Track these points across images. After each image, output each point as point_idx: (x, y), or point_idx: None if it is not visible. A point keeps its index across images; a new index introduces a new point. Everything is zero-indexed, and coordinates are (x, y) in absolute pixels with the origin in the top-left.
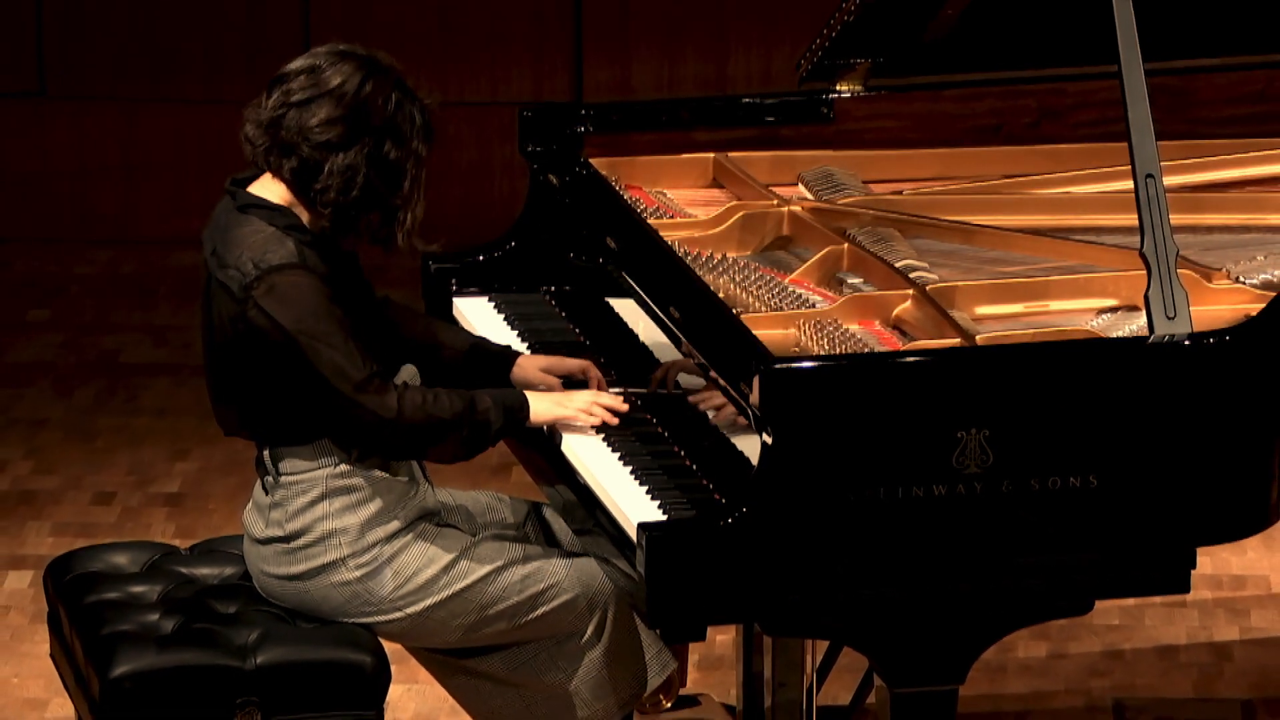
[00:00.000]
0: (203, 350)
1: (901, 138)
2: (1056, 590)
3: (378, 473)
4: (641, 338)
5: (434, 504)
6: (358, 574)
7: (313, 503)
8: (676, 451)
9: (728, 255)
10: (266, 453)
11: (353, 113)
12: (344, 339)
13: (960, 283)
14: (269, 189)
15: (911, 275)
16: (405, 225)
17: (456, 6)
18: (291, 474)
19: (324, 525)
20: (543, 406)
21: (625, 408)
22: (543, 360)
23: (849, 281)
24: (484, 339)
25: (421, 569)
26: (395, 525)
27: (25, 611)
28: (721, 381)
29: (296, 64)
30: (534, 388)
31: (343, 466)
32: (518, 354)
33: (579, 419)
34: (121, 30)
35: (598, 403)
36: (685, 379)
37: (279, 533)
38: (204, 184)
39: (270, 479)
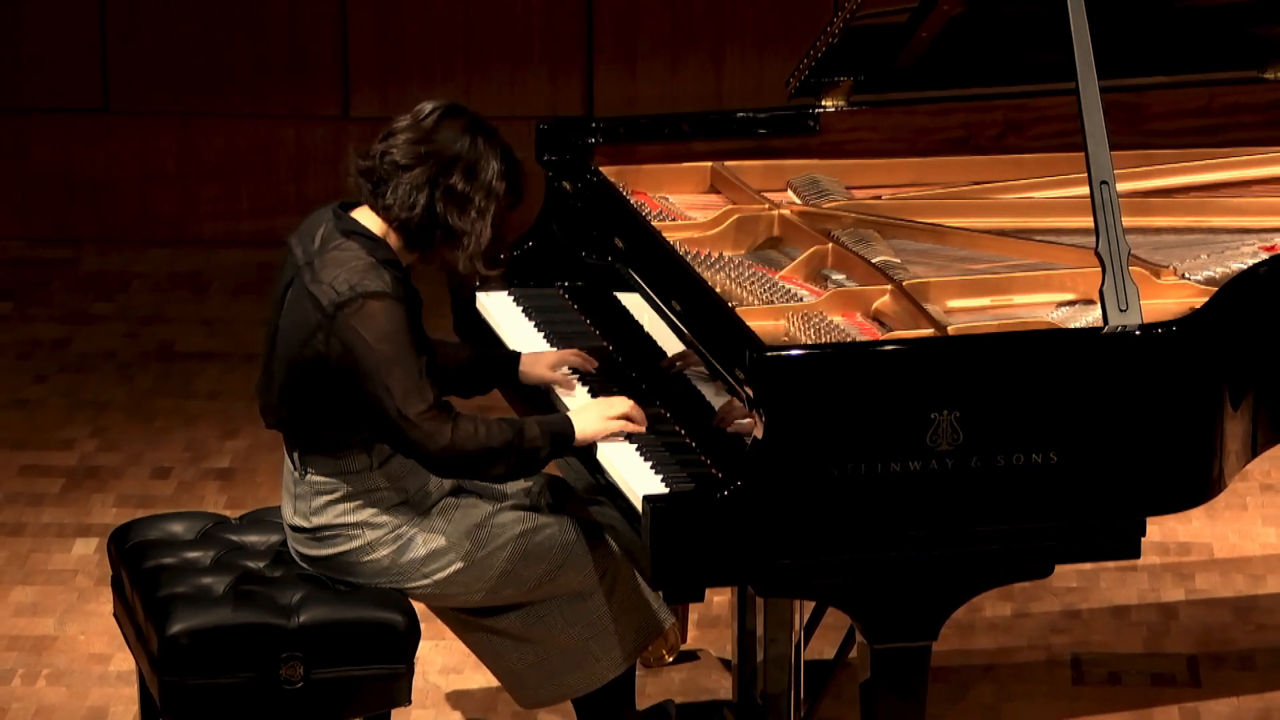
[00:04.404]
0: (265, 344)
1: (880, 148)
2: (1020, 556)
3: (394, 476)
4: (646, 328)
5: (450, 486)
6: (384, 552)
7: (332, 503)
8: (678, 430)
9: (724, 254)
10: (296, 452)
11: (427, 140)
12: (419, 369)
13: (933, 279)
14: (369, 218)
15: (889, 272)
16: (468, 250)
17: (480, 28)
18: (315, 476)
19: (345, 519)
20: (588, 425)
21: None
22: (549, 356)
23: (833, 278)
24: (488, 349)
25: (444, 541)
26: (416, 509)
27: (91, 575)
28: (719, 367)
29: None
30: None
31: (363, 473)
32: (518, 355)
33: (623, 428)
34: (178, 51)
35: (633, 413)
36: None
37: (304, 524)
38: (251, 189)
39: (297, 474)
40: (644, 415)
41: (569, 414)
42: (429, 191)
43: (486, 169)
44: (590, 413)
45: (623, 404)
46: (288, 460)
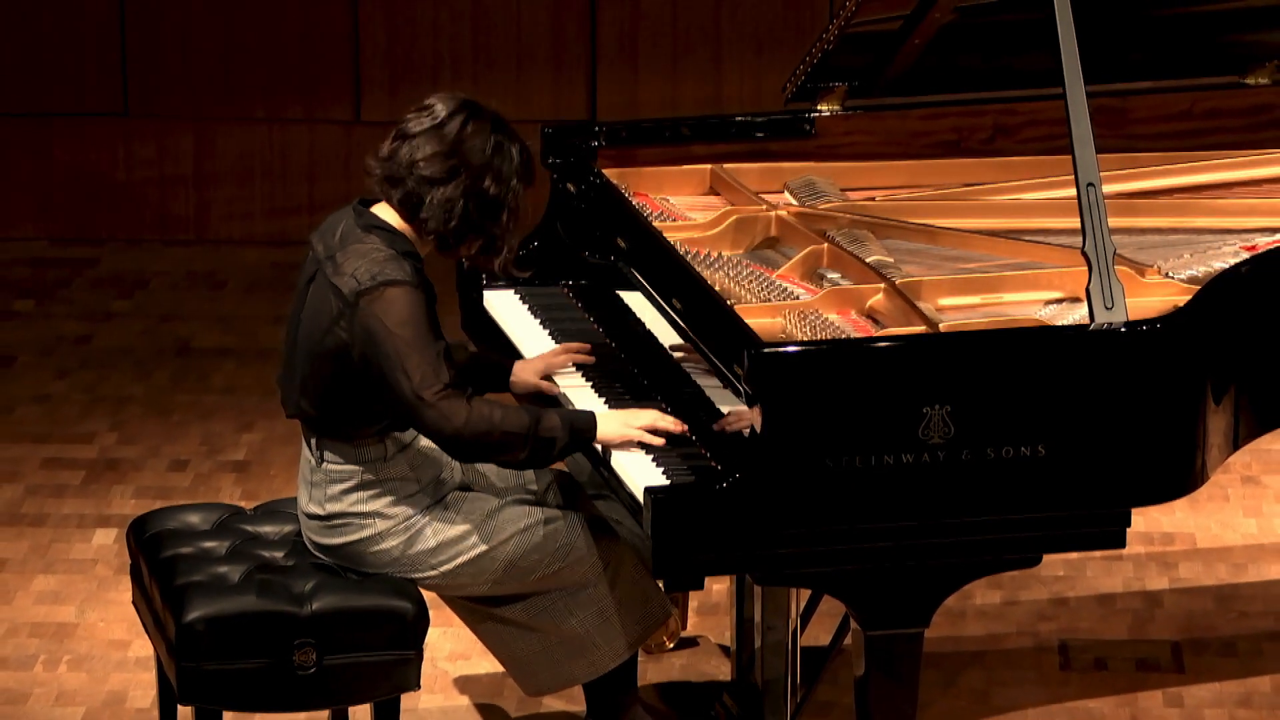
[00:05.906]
0: (286, 338)
1: (874, 151)
2: (1009, 546)
3: (409, 466)
4: (648, 325)
5: (460, 479)
6: (394, 543)
7: (347, 491)
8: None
9: (723, 253)
10: (314, 440)
11: (454, 151)
12: (436, 353)
13: (925, 278)
14: (389, 213)
15: (883, 271)
16: (503, 252)
17: (487, 35)
18: (332, 464)
19: (359, 508)
20: (612, 428)
21: (683, 427)
22: (536, 363)
23: (828, 276)
24: (483, 352)
25: (453, 533)
26: (427, 500)
27: (110, 564)
28: (718, 363)
29: (415, 107)
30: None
31: (378, 462)
32: (512, 361)
33: (645, 439)
34: (195, 58)
35: (659, 424)
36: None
37: (319, 511)
38: (266, 190)
39: (314, 462)
40: (671, 427)
41: (596, 414)
42: (464, 203)
43: (510, 166)
44: (617, 418)
45: (649, 416)
46: (305, 449)
